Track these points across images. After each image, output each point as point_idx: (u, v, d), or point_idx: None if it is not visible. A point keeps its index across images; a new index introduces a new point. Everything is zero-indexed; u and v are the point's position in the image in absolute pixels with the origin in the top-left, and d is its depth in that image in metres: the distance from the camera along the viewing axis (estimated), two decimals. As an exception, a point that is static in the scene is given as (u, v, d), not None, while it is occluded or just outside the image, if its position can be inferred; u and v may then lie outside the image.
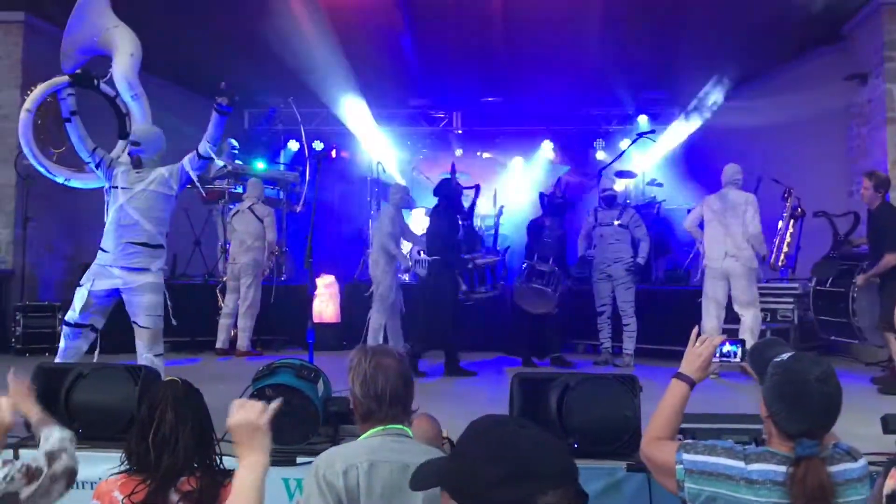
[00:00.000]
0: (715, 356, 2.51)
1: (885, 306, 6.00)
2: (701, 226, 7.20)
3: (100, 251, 5.04)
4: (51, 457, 2.27)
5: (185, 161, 5.11)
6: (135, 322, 4.99)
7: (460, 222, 7.62)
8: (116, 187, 5.04)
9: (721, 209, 6.96)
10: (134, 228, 4.96)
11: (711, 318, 6.91)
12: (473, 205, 8.77)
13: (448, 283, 7.18)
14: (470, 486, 1.39)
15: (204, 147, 5.06)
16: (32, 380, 3.95)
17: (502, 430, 1.44)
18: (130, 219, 4.96)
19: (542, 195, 8.47)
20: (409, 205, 9.47)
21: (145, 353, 4.96)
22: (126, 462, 2.26)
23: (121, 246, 4.94)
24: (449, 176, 8.09)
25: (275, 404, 1.92)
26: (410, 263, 8.51)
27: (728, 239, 6.84)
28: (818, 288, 7.25)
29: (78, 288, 5.03)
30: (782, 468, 2.09)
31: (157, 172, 5.07)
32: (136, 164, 5.12)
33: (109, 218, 5.04)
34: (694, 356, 2.51)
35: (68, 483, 2.29)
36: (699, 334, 2.57)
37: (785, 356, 2.21)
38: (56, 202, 9.41)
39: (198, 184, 5.30)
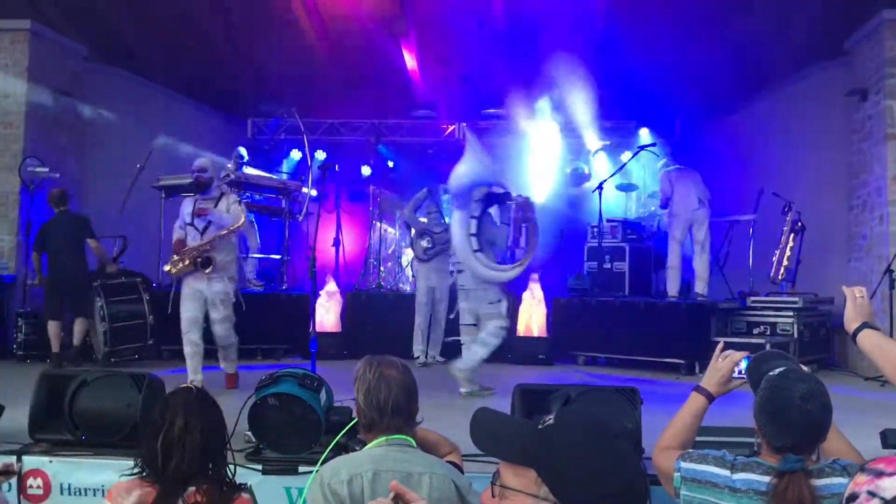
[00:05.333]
0: (736, 372, 2.52)
1: None
2: None
3: None
4: None
5: None
6: None
7: None
8: None
9: None
10: None
11: None
12: None
13: None
14: (573, 488, 1.39)
15: None
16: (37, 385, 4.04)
17: (615, 444, 1.46)
18: None
19: None
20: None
21: None
22: (137, 466, 2.27)
23: None
24: None
25: None
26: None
27: None
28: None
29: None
30: (766, 479, 2.11)
31: None
32: None
33: None
34: (714, 370, 2.55)
35: None
36: (724, 349, 2.59)
37: (777, 371, 2.22)
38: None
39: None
